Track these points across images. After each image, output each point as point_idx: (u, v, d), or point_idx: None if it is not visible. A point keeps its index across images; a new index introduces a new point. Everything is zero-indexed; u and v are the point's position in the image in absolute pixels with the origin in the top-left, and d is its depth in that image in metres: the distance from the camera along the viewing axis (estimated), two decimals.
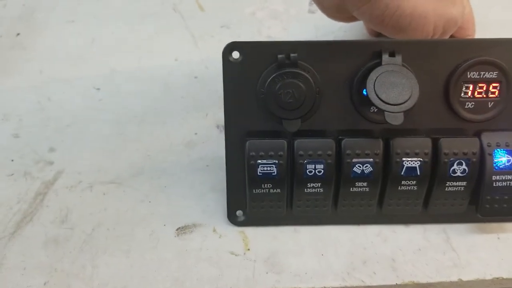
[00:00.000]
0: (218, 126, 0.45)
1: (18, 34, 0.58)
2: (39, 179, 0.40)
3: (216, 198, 0.39)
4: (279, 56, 0.33)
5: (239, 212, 0.37)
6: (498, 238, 0.36)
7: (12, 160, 0.42)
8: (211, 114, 0.46)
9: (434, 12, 0.38)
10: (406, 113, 0.33)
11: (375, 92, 0.32)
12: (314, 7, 0.47)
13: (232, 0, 0.64)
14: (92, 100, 0.48)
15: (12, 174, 0.41)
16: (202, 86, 0.50)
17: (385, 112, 0.32)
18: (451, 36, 0.46)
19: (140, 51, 0.55)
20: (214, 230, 0.37)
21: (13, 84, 0.50)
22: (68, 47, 0.55)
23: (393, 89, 0.32)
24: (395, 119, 0.32)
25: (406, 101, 0.32)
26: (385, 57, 0.33)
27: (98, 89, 0.50)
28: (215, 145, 0.43)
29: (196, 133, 0.45)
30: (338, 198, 0.35)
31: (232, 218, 0.37)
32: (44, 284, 0.34)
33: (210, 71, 0.52)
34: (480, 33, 0.55)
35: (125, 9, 0.62)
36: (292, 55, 0.33)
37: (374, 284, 0.34)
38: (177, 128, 0.45)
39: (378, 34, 0.50)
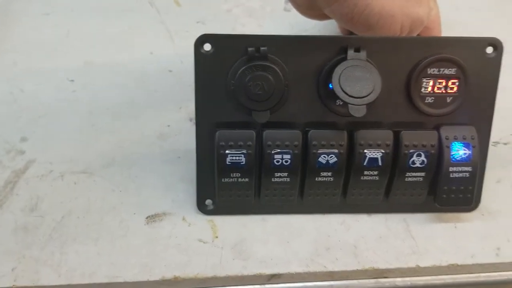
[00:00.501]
0: (191, 119, 0.46)
1: None
2: (9, 168, 0.41)
3: (186, 189, 0.39)
4: (249, 49, 0.34)
5: (208, 201, 0.38)
6: (455, 227, 0.38)
7: None
8: (185, 107, 0.47)
9: (401, 12, 0.40)
10: (370, 106, 0.35)
11: (340, 86, 0.33)
12: (290, 5, 0.48)
13: None
14: (65, 91, 0.48)
15: None
16: (177, 80, 0.51)
17: (349, 105, 0.33)
18: (417, 35, 0.48)
19: (115, 45, 0.55)
20: (184, 219, 0.37)
21: None
22: (43, 39, 0.56)
23: (357, 83, 0.33)
24: (358, 111, 0.33)
25: (369, 94, 0.33)
26: (351, 53, 0.34)
27: (72, 80, 0.50)
28: (187, 137, 0.44)
29: (168, 126, 0.45)
30: (304, 188, 0.37)
31: (201, 207, 0.38)
32: (12, 270, 0.34)
33: (184, 65, 0.52)
34: (446, 33, 0.57)
35: (102, 3, 0.62)
36: (262, 48, 0.34)
37: (336, 269, 0.35)
38: (150, 120, 0.46)
39: (350, 33, 0.52)
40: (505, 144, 0.45)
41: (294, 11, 0.47)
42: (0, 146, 0.43)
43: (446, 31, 0.57)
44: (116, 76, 0.51)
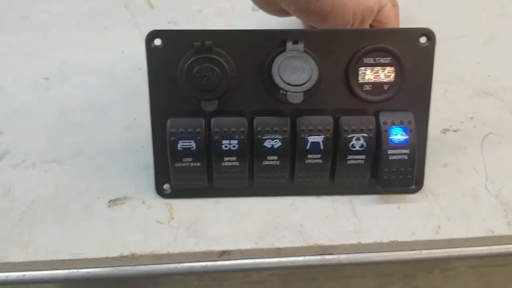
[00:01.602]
0: None
1: None
2: None
3: (148, 175, 0.42)
4: (195, 43, 0.37)
5: (166, 186, 0.40)
6: (399, 207, 0.41)
7: None
8: None
9: (352, 1, 0.43)
10: (312, 94, 0.37)
11: (279, 75, 0.36)
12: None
13: None
14: (40, 89, 0.52)
15: None
16: (146, 76, 0.53)
17: (287, 92, 0.36)
18: (372, 27, 0.51)
19: (89, 46, 0.58)
20: (144, 202, 0.40)
21: None
22: (21, 41, 0.59)
23: (294, 72, 0.36)
24: (296, 98, 0.36)
25: (305, 82, 0.36)
26: (289, 45, 0.37)
27: (47, 78, 0.53)
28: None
29: (135, 118, 0.48)
30: (254, 171, 0.39)
31: (159, 191, 0.40)
32: None
33: None
34: None
35: (79, 8, 0.65)
36: (207, 42, 0.37)
37: (282, 246, 0.38)
38: (118, 114, 0.49)
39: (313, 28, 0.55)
40: (454, 131, 0.47)
41: (262, 11, 0.50)
42: None
43: (408, 25, 0.60)
44: (89, 75, 0.54)
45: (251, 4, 0.49)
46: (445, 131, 0.47)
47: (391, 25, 0.52)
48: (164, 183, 0.40)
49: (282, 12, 0.48)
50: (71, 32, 0.61)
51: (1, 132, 0.46)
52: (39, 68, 0.54)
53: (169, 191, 0.40)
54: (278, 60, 0.36)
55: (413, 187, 0.41)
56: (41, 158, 0.44)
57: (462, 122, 0.48)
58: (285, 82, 0.36)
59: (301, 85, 0.36)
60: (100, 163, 0.43)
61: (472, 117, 0.49)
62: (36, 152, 0.44)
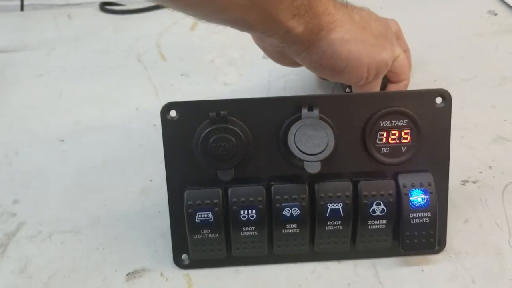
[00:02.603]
0: None
1: None
2: (2, 231, 0.43)
3: (164, 244, 0.42)
4: (210, 114, 0.37)
5: (184, 256, 0.40)
6: (422, 270, 0.39)
7: None
8: None
9: (367, 56, 0.43)
10: (330, 159, 0.37)
11: (295, 144, 0.36)
12: None
13: (193, 48, 0.68)
14: (56, 152, 0.52)
15: None
16: (160, 134, 0.53)
17: (304, 162, 0.35)
18: (387, 77, 0.50)
19: (104, 102, 0.59)
20: (161, 274, 0.40)
21: None
22: (37, 101, 0.60)
23: (311, 141, 0.36)
24: (313, 167, 0.35)
25: (322, 151, 0.35)
26: (304, 111, 0.37)
27: (62, 140, 0.53)
28: None
29: (151, 180, 0.48)
30: (273, 239, 0.39)
31: (177, 262, 0.40)
32: None
33: None
34: (420, 70, 0.60)
35: (92, 62, 0.66)
36: (222, 112, 0.37)
37: None
38: (133, 175, 0.49)
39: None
40: (473, 182, 0.46)
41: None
42: None
43: (419, 68, 0.60)
44: (103, 134, 0.54)
45: (261, 52, 0.49)
46: (464, 182, 0.46)
47: (405, 74, 0.52)
48: (182, 254, 0.40)
49: (295, 64, 0.48)
50: (85, 88, 0.61)
51: (17, 201, 0.46)
52: (54, 129, 0.55)
53: (187, 262, 0.40)
54: (294, 128, 0.36)
55: (436, 247, 0.39)
56: (57, 228, 0.44)
57: (480, 172, 0.47)
58: (302, 152, 0.36)
59: (318, 154, 0.35)
60: (116, 232, 0.43)
61: (491, 166, 0.48)
62: (52, 222, 0.44)
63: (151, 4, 0.77)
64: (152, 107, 0.57)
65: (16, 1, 0.81)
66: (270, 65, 0.61)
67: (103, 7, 0.78)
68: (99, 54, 0.68)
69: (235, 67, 0.64)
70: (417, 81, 0.57)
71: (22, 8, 0.81)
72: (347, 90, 0.52)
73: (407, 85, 0.52)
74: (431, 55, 0.63)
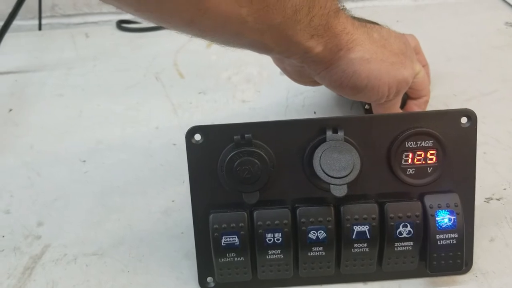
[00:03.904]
0: None
1: (10, 110, 0.63)
2: (27, 253, 0.44)
3: (189, 265, 0.42)
4: (235, 137, 0.37)
5: (209, 279, 0.40)
6: None
7: (3, 236, 0.46)
8: (188, 181, 0.50)
9: (387, 75, 0.42)
10: (354, 182, 0.37)
11: (321, 167, 0.36)
12: None
13: (210, 66, 0.69)
14: (78, 173, 0.52)
15: (3, 250, 0.44)
16: (180, 153, 0.53)
17: (330, 185, 0.35)
18: (407, 94, 0.50)
19: (124, 121, 0.59)
20: None
21: (5, 161, 0.54)
22: (57, 121, 0.60)
23: (336, 164, 0.36)
24: (339, 191, 0.35)
25: (348, 174, 0.35)
26: (329, 134, 0.37)
27: (84, 161, 0.54)
28: (190, 211, 0.46)
29: (173, 201, 0.48)
30: (298, 262, 0.38)
31: (203, 285, 0.40)
32: None
33: None
34: (438, 85, 0.60)
35: (111, 81, 0.67)
36: (246, 135, 0.37)
37: None
38: (155, 196, 0.49)
39: None
40: (498, 199, 0.46)
41: None
42: (18, 231, 0.46)
43: (438, 82, 0.59)
44: (124, 153, 0.54)
45: (278, 69, 0.49)
46: (488, 200, 0.46)
47: (425, 90, 0.51)
48: (208, 276, 0.40)
49: (314, 83, 0.48)
50: (105, 107, 0.62)
51: (41, 223, 0.47)
52: (76, 149, 0.55)
53: (212, 285, 0.40)
54: (319, 152, 0.36)
55: (463, 268, 0.39)
56: (82, 251, 0.44)
57: (504, 189, 0.47)
58: (328, 175, 0.35)
59: (345, 177, 0.35)
60: (141, 254, 0.43)
61: None
62: (77, 244, 0.45)
63: None
64: (172, 126, 0.58)
65: (33, 21, 0.82)
66: (288, 81, 0.61)
67: (120, 25, 0.79)
68: (117, 73, 0.68)
69: (253, 84, 0.64)
70: (437, 96, 0.57)
71: (40, 28, 0.82)
72: (366, 107, 0.52)
73: (427, 101, 0.52)
74: (450, 69, 0.62)
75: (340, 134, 0.37)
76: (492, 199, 0.46)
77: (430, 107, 0.53)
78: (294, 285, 0.40)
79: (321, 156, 0.36)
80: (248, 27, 0.34)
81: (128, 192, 0.50)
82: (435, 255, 0.38)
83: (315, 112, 0.57)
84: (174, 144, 0.55)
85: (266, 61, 0.50)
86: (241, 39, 0.36)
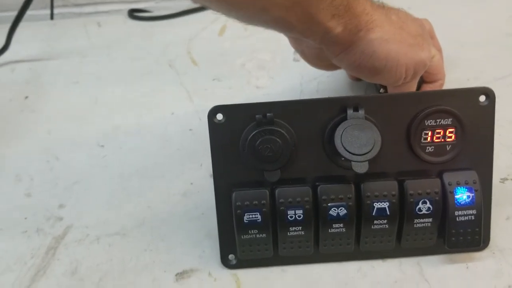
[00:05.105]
0: (211, 176, 0.49)
1: (26, 97, 0.63)
2: (50, 234, 0.45)
3: (211, 244, 0.42)
4: (257, 116, 0.37)
5: (231, 256, 0.41)
6: (467, 267, 0.40)
7: (26, 218, 0.46)
8: (205, 165, 0.51)
9: (405, 56, 0.43)
10: (374, 160, 0.37)
11: (342, 145, 0.36)
12: (298, 55, 0.52)
13: (223, 53, 0.69)
14: (97, 157, 0.53)
15: (26, 231, 0.45)
16: (196, 138, 0.55)
17: (352, 162, 0.36)
18: (422, 78, 0.51)
19: (139, 108, 0.60)
20: (210, 274, 0.40)
21: (24, 146, 0.55)
22: (74, 107, 0.61)
23: (358, 141, 0.36)
24: (361, 167, 0.36)
25: (370, 151, 0.36)
26: (350, 112, 0.37)
27: (102, 146, 0.54)
28: (209, 193, 0.46)
29: (192, 183, 0.49)
30: (319, 239, 0.39)
31: (225, 262, 0.41)
32: None
33: (203, 122, 0.56)
34: (452, 70, 0.60)
35: (125, 69, 0.67)
36: (268, 114, 0.37)
37: None
38: (174, 179, 0.49)
39: (358, 78, 0.55)
40: None
41: (303, 61, 0.50)
42: (41, 213, 0.47)
43: (451, 67, 0.60)
44: (141, 139, 0.55)
45: (291, 55, 0.50)
46: (503, 180, 0.46)
47: (440, 74, 0.52)
48: (229, 254, 0.40)
49: (331, 67, 0.48)
50: (120, 94, 0.62)
51: (62, 205, 0.48)
52: (94, 135, 0.56)
53: (234, 262, 0.41)
54: (340, 129, 0.37)
55: (481, 245, 0.40)
56: (104, 231, 0.45)
57: None
58: (349, 152, 0.36)
59: (365, 153, 0.36)
60: (162, 233, 0.44)
61: None
62: (99, 225, 0.45)
63: (178, 10, 0.79)
64: (188, 112, 0.58)
65: (45, 10, 0.83)
66: (302, 67, 0.62)
67: (132, 14, 0.79)
68: (131, 61, 0.69)
69: (266, 70, 0.64)
70: (451, 80, 0.57)
71: (52, 17, 0.82)
72: (382, 90, 0.52)
73: (442, 85, 0.52)
74: (463, 55, 0.63)
75: (361, 112, 0.37)
76: (507, 179, 0.46)
77: None
78: (315, 262, 0.40)
79: (342, 134, 0.37)
80: (274, 2, 0.34)
81: (147, 176, 0.50)
82: (453, 231, 0.38)
83: None
84: (191, 130, 0.56)
85: (278, 47, 0.51)
86: (266, 14, 0.36)
